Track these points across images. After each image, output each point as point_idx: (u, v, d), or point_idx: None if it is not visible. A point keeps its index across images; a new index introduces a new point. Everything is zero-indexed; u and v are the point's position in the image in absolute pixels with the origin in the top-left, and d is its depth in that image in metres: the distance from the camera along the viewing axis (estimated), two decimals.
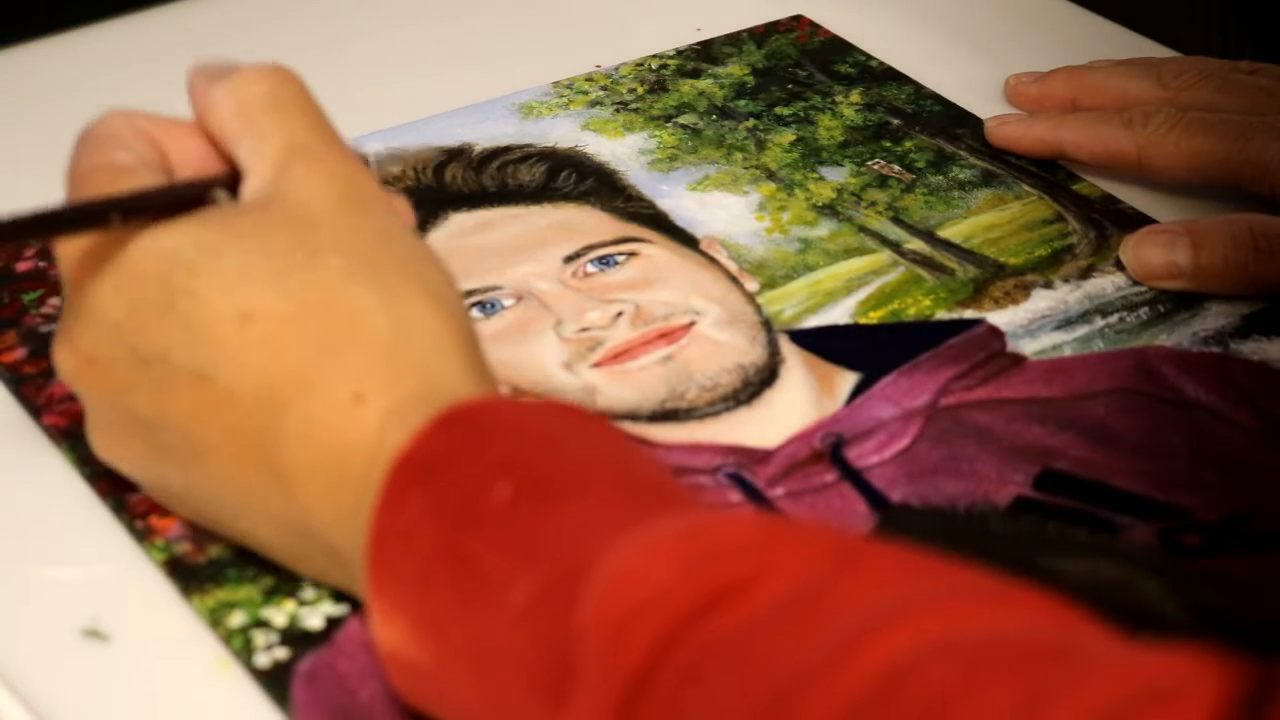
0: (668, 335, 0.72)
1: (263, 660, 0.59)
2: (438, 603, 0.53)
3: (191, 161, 0.63)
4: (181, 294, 0.58)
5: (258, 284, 0.57)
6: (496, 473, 0.53)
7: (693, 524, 0.50)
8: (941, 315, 0.74)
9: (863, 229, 0.79)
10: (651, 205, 0.79)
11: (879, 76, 0.88)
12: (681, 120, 0.85)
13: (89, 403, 0.61)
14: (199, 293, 0.57)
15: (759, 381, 0.71)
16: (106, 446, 0.62)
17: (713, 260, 0.76)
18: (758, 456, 0.67)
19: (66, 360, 0.61)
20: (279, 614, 0.61)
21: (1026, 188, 0.81)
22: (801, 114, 0.85)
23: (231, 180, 0.62)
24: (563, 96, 0.86)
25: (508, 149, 0.82)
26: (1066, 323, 0.74)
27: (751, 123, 0.85)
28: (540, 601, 0.51)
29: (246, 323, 0.57)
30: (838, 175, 0.82)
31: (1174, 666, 0.43)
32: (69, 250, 0.60)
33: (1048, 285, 0.76)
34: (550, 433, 0.55)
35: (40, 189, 0.81)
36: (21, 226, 0.59)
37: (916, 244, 0.78)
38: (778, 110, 0.86)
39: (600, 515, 0.52)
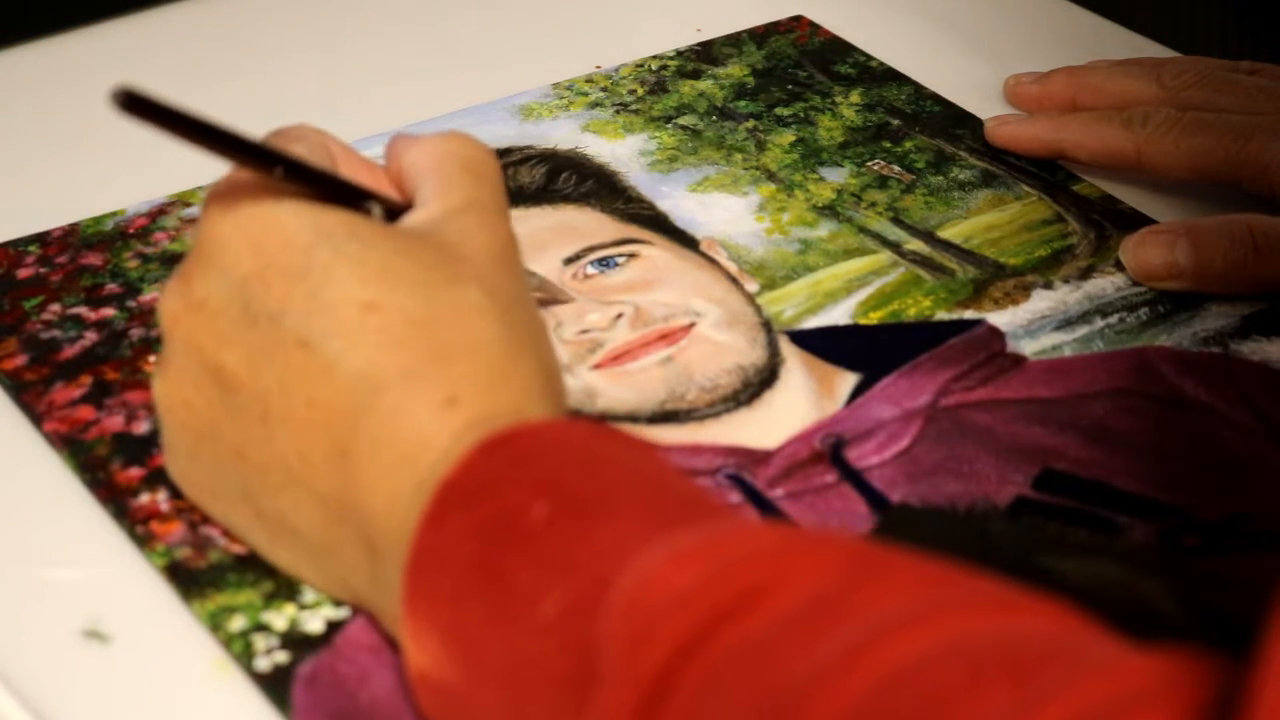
0: (668, 336, 0.72)
1: (263, 664, 0.59)
2: (469, 619, 0.53)
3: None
4: (320, 269, 0.58)
5: (395, 284, 0.58)
6: (535, 493, 0.54)
7: (715, 534, 0.51)
8: (941, 316, 0.74)
9: (863, 230, 0.79)
10: (652, 206, 0.79)
11: (879, 77, 0.88)
12: (681, 121, 0.85)
13: (175, 348, 0.61)
14: (336, 273, 0.58)
15: (759, 382, 0.71)
16: (168, 393, 0.62)
17: (713, 261, 0.76)
18: (758, 457, 0.67)
19: (175, 301, 0.61)
20: (279, 618, 0.61)
21: (1026, 188, 0.81)
22: (801, 114, 0.85)
23: (393, 209, 0.62)
24: (563, 98, 0.86)
25: (508, 151, 0.82)
26: (1066, 323, 0.74)
27: (751, 123, 0.85)
28: (569, 613, 0.51)
29: (371, 311, 0.58)
30: (838, 176, 0.82)
31: (1155, 669, 0.44)
32: (219, 198, 0.61)
33: (1048, 286, 0.76)
34: (590, 453, 0.55)
35: (40, 189, 0.81)
36: (191, 124, 0.58)
37: (916, 244, 0.78)
38: (778, 111, 0.86)
39: (630, 532, 0.52)
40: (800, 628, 0.48)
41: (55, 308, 0.74)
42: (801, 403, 0.70)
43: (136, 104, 0.56)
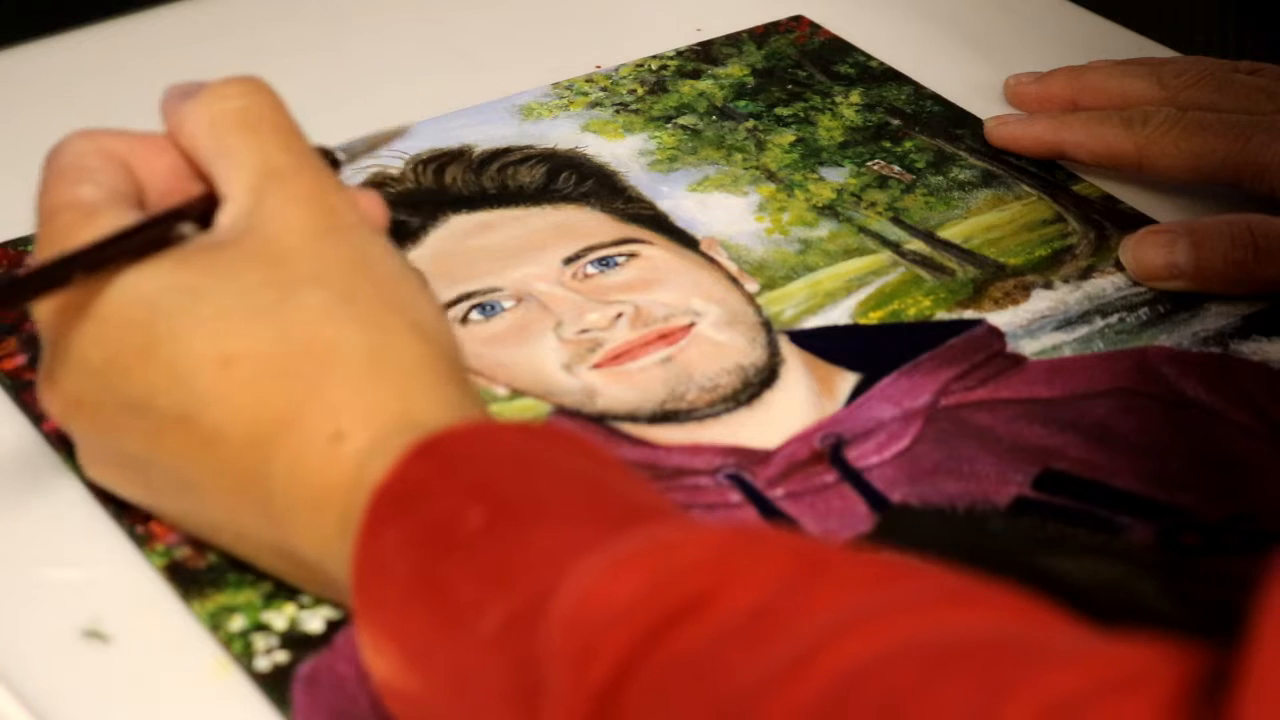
0: (667, 336, 0.72)
1: (263, 664, 0.59)
2: (419, 630, 0.53)
3: (163, 180, 0.63)
4: (164, 339, 0.58)
5: (237, 325, 0.57)
6: (469, 499, 0.53)
7: (654, 541, 0.50)
8: (941, 315, 0.74)
9: (863, 229, 0.79)
10: (651, 206, 0.79)
11: (879, 77, 0.88)
12: (681, 121, 0.85)
13: (79, 439, 0.62)
14: (181, 337, 0.57)
15: (759, 382, 0.71)
16: (101, 476, 0.63)
17: (713, 261, 0.76)
18: (758, 457, 0.67)
19: (53, 402, 0.61)
20: (279, 617, 0.61)
21: (1026, 188, 0.81)
22: (801, 114, 0.85)
23: (205, 201, 0.61)
24: (563, 98, 0.86)
25: (508, 150, 0.82)
26: (1066, 323, 0.74)
27: (751, 123, 0.85)
28: (509, 626, 0.51)
29: (228, 366, 0.57)
30: (838, 176, 0.82)
31: (1133, 656, 0.43)
32: (44, 302, 0.60)
33: (1048, 285, 0.76)
34: (523, 456, 0.55)
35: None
36: None
37: (916, 244, 0.78)
38: (778, 111, 0.86)
39: (568, 538, 0.51)
40: (747, 634, 0.47)
41: None
42: (801, 403, 0.70)
43: None
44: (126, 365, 0.58)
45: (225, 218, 0.60)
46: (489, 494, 0.53)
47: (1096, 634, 0.45)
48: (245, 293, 0.58)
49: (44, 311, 0.60)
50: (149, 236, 0.59)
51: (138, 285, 0.58)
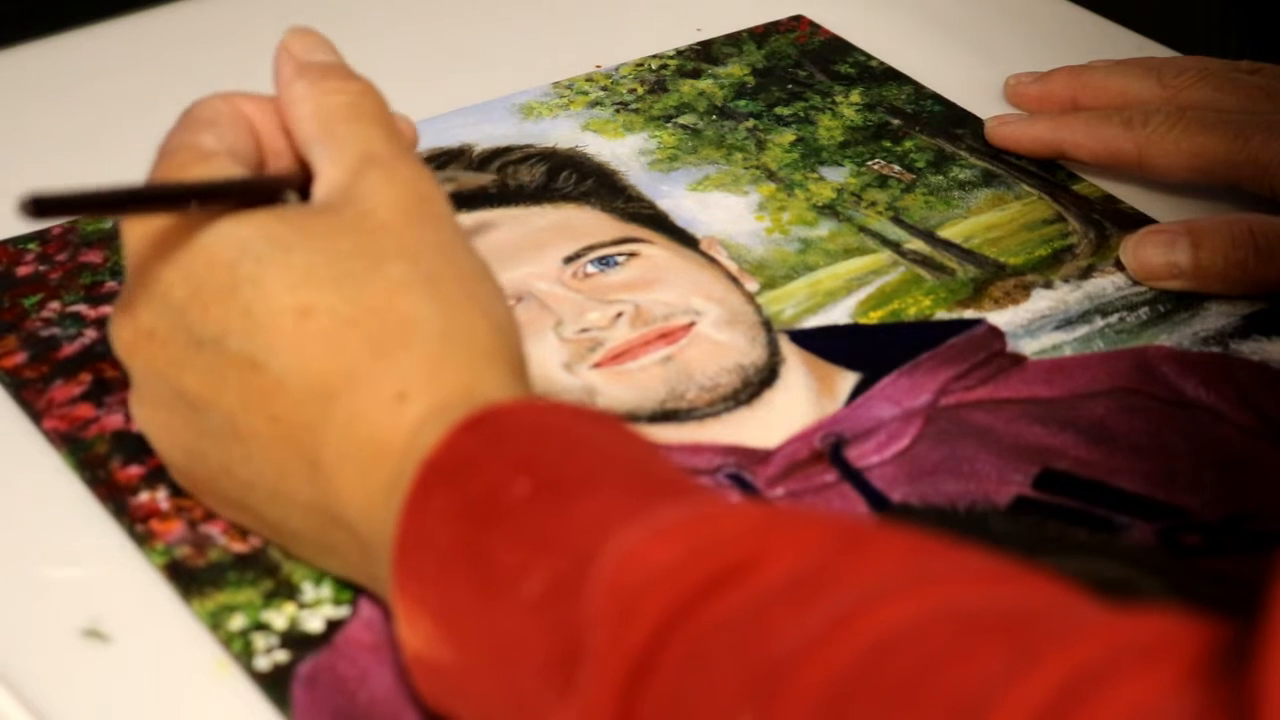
0: (668, 335, 0.72)
1: (263, 663, 0.59)
2: (457, 598, 0.53)
3: (285, 145, 0.65)
4: (246, 283, 0.59)
5: (321, 283, 0.58)
6: (515, 471, 0.54)
7: (698, 511, 0.51)
8: (941, 315, 0.74)
9: (863, 229, 0.79)
10: (652, 205, 0.79)
11: (879, 76, 0.88)
12: (681, 120, 0.85)
13: (138, 376, 0.62)
14: (264, 284, 0.59)
15: (759, 382, 0.71)
16: (147, 418, 0.63)
17: (713, 260, 0.76)
18: (758, 457, 0.67)
19: (123, 332, 0.62)
20: (279, 617, 0.61)
21: (1026, 188, 0.81)
22: (801, 114, 0.85)
23: (303, 179, 0.63)
24: (563, 97, 0.86)
25: (508, 149, 0.82)
26: (1066, 323, 0.74)
27: (751, 123, 0.85)
28: (551, 591, 0.51)
29: (305, 317, 0.58)
30: (838, 175, 0.82)
31: (1153, 627, 0.44)
32: (137, 229, 0.61)
33: (1048, 285, 0.76)
34: (570, 432, 0.56)
35: (40, 188, 0.81)
36: (100, 200, 0.60)
37: (916, 244, 0.78)
38: (778, 110, 0.86)
39: (611, 507, 0.52)
40: (785, 600, 0.47)
41: (55, 305, 0.74)
42: (801, 402, 0.70)
43: (46, 207, 0.57)
44: (205, 303, 0.59)
45: (319, 192, 0.62)
46: (535, 467, 0.54)
47: (1117, 609, 0.46)
48: (335, 255, 0.59)
49: (136, 241, 0.61)
50: (256, 191, 0.61)
51: (234, 230, 0.60)
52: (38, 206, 0.56)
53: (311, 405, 0.58)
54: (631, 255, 0.76)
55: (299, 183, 0.63)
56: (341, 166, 0.62)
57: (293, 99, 0.64)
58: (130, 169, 0.81)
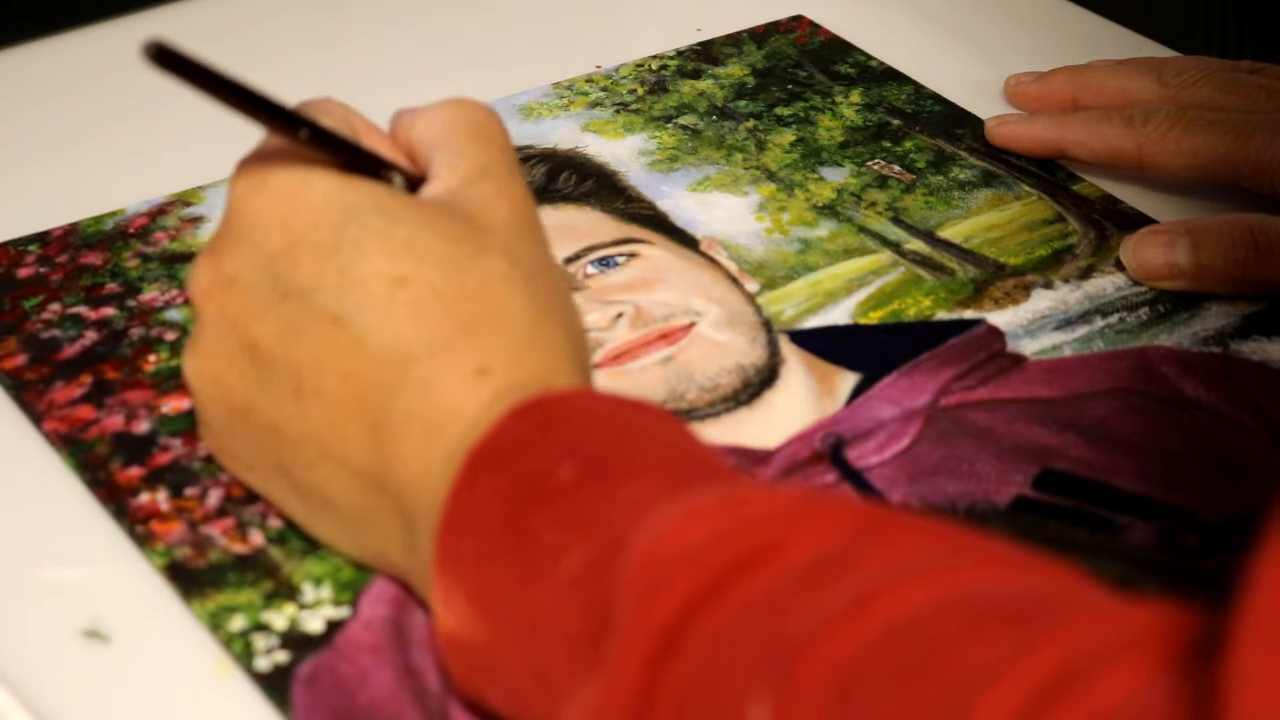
0: (668, 336, 0.72)
1: (263, 664, 0.59)
2: (495, 578, 0.54)
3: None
4: (349, 244, 0.59)
5: (422, 258, 0.59)
6: (562, 455, 0.55)
7: (729, 495, 0.52)
8: (941, 315, 0.74)
9: (863, 229, 0.79)
10: (652, 206, 0.79)
11: (879, 76, 0.88)
12: (681, 121, 0.85)
13: (206, 321, 0.62)
14: (366, 248, 0.59)
15: (759, 382, 0.71)
16: (204, 365, 0.62)
17: (713, 261, 0.76)
18: (758, 457, 0.67)
19: (204, 275, 0.62)
20: (279, 617, 0.61)
21: (1026, 188, 0.81)
22: (801, 114, 0.85)
23: (412, 180, 0.63)
24: (563, 98, 0.86)
25: None
26: (1066, 323, 0.74)
27: (751, 123, 0.85)
28: (588, 570, 0.52)
29: (400, 285, 0.59)
30: (838, 175, 0.82)
31: (1149, 617, 0.45)
32: (247, 177, 0.61)
33: (1048, 285, 0.76)
34: (615, 419, 0.56)
35: (40, 189, 0.81)
36: (219, 81, 0.58)
37: (916, 244, 0.78)
38: (778, 111, 0.86)
39: (650, 490, 0.53)
40: (807, 581, 0.48)
41: (55, 307, 0.74)
42: (801, 402, 0.70)
43: (167, 58, 0.56)
44: (300, 257, 0.60)
45: (431, 191, 0.62)
46: (581, 452, 0.55)
47: (1122, 599, 0.46)
48: (439, 237, 0.60)
49: (242, 186, 0.61)
50: (365, 162, 0.62)
51: (343, 191, 0.60)
52: (159, 54, 0.56)
53: (389, 366, 0.58)
54: (631, 256, 0.76)
55: (408, 174, 0.63)
56: (458, 173, 0.62)
57: (419, 114, 0.65)
58: (130, 168, 0.82)
